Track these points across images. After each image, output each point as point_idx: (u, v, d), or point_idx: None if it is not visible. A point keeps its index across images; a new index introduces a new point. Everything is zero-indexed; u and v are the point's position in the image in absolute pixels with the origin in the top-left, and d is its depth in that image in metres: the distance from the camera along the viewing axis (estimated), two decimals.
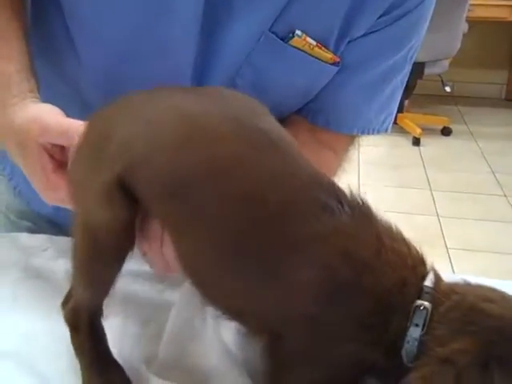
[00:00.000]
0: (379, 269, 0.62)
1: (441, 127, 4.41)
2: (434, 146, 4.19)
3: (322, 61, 0.85)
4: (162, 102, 0.69)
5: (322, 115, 0.92)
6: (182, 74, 0.84)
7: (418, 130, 4.19)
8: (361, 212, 0.64)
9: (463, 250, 2.93)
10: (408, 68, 0.93)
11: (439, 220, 3.20)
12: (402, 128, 4.29)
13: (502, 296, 0.63)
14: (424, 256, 0.66)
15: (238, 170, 0.63)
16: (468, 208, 3.33)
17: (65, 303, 0.73)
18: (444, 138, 4.36)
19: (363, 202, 0.65)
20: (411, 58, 0.92)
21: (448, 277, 0.66)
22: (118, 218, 0.65)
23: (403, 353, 0.61)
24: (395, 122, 4.27)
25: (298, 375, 0.63)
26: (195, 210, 0.64)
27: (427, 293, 0.62)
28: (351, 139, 0.98)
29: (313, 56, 0.85)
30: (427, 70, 4.02)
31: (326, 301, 0.61)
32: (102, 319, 0.72)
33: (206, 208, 0.63)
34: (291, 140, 0.68)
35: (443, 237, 3.04)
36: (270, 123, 0.68)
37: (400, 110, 4.25)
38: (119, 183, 0.64)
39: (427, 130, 4.27)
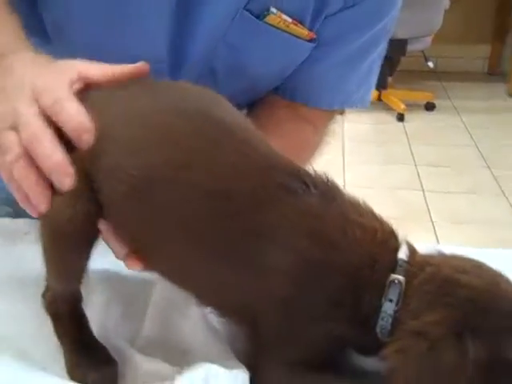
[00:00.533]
0: (346, 246, 0.62)
1: (424, 103, 4.43)
2: (418, 121, 4.21)
3: (298, 37, 0.86)
4: (118, 102, 0.69)
5: (300, 92, 0.93)
6: (158, 56, 0.84)
7: (402, 106, 4.21)
8: (326, 191, 0.64)
9: (449, 222, 2.96)
10: (385, 41, 0.94)
11: (424, 194, 3.22)
12: (386, 104, 4.30)
13: (478, 266, 0.64)
14: (395, 229, 0.66)
15: (197, 167, 0.64)
16: (453, 181, 3.35)
17: (45, 293, 0.74)
18: (428, 113, 4.38)
19: (328, 181, 0.66)
20: (388, 31, 0.92)
21: (427, 247, 0.67)
22: (79, 210, 0.65)
23: (378, 329, 0.62)
24: (379, 99, 4.28)
25: (277, 357, 0.64)
26: (160, 211, 0.64)
27: (401, 266, 0.62)
28: (331, 114, 0.99)
29: (289, 33, 0.85)
30: (410, 47, 4.02)
31: (298, 283, 0.62)
32: (82, 303, 0.73)
33: (170, 208, 0.64)
34: (249, 126, 0.69)
35: (428, 211, 3.06)
36: (226, 113, 0.69)
37: (384, 86, 4.26)
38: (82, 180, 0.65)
39: (411, 106, 4.29)
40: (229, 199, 0.63)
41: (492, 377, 0.59)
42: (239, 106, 0.95)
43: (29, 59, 0.72)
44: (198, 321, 0.74)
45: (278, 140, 0.69)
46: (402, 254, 0.64)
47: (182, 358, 0.68)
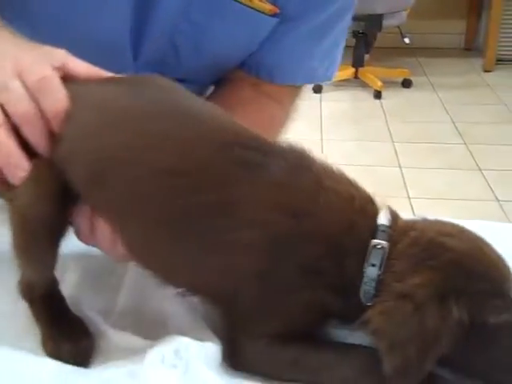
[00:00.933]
0: (320, 213, 0.62)
1: (401, 79, 4.43)
2: (395, 98, 4.21)
3: (262, 12, 0.85)
4: (82, 91, 0.70)
5: (264, 68, 0.93)
6: (121, 30, 0.84)
7: (379, 83, 4.21)
8: (294, 161, 0.64)
9: (425, 199, 2.98)
10: (349, 16, 0.94)
11: (401, 171, 3.24)
12: (363, 82, 4.31)
13: (461, 230, 0.64)
14: (373, 196, 0.66)
15: (153, 147, 0.64)
16: (429, 158, 3.37)
17: (20, 280, 0.73)
18: (405, 90, 4.39)
19: (295, 150, 0.65)
20: (351, 5, 0.93)
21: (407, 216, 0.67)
22: (43, 194, 0.66)
23: (361, 294, 0.62)
24: (356, 76, 4.28)
25: (257, 331, 0.64)
26: (123, 191, 0.65)
27: (383, 231, 0.63)
28: (297, 90, 0.98)
29: (252, 8, 0.84)
30: (385, 22, 4.02)
31: (272, 255, 0.62)
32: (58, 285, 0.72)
33: (132, 188, 0.64)
34: (210, 109, 0.69)
35: (405, 187, 3.08)
36: (184, 97, 0.69)
37: (361, 63, 4.26)
38: (47, 165, 0.66)
39: (388, 83, 4.29)
40: (186, 176, 0.63)
41: (474, 339, 0.59)
42: (204, 84, 0.96)
43: (6, 36, 0.72)
44: (172, 294, 0.73)
45: (244, 118, 0.69)
46: (384, 219, 0.64)
47: (155, 331, 0.68)
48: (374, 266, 0.61)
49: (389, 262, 0.61)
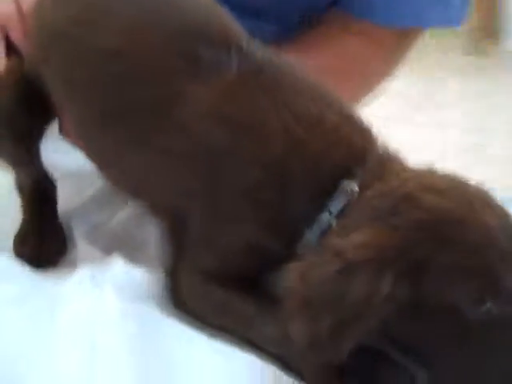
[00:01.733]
0: (266, 133, 0.53)
1: None
2: None
3: None
4: None
5: (358, 3, 0.80)
6: None
7: None
8: (258, 67, 0.55)
9: None
10: None
11: None
12: None
13: (457, 187, 0.51)
14: (366, 126, 0.55)
15: (102, 24, 0.60)
16: None
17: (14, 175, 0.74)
18: None
19: (271, 59, 0.56)
20: None
21: None
22: (14, 96, 0.65)
23: (300, 243, 0.52)
24: None
25: (195, 263, 0.58)
26: (66, 69, 0.62)
27: (365, 173, 0.52)
28: (402, 34, 0.84)
29: None
30: None
31: (205, 173, 0.55)
32: (55, 186, 0.72)
33: (73, 66, 0.61)
34: (202, 2, 0.62)
35: None
36: None
37: None
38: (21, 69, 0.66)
39: None
40: (126, 61, 0.58)
41: (418, 324, 0.47)
42: (291, 22, 0.84)
43: None
44: None
45: (320, 52, 0.66)
46: (367, 157, 0.53)
47: (129, 254, 0.66)
48: (330, 213, 0.51)
49: (347, 211, 0.51)
